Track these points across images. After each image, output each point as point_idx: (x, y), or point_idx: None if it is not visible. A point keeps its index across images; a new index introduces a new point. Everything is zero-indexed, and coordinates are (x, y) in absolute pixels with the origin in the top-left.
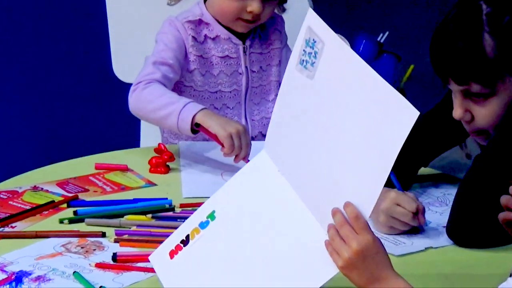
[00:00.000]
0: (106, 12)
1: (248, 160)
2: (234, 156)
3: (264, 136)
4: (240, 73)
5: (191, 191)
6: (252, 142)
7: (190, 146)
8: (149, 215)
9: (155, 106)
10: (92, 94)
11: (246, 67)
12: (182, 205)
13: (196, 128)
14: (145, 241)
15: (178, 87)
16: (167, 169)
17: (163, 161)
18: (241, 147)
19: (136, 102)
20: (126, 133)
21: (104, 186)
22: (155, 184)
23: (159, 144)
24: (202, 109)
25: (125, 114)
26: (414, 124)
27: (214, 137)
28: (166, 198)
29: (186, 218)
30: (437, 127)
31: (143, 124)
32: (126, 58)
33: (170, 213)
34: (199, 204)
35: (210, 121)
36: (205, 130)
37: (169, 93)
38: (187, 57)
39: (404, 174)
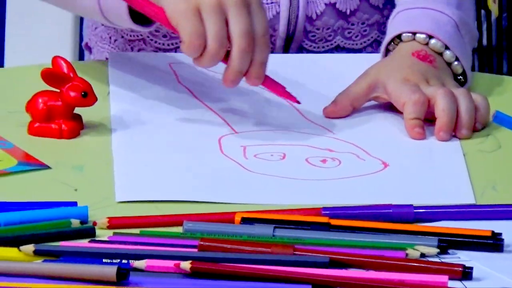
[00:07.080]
0: None
1: (291, 96)
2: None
3: (340, 16)
4: None
5: (137, 187)
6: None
7: (135, 61)
8: (28, 247)
9: None
10: None
11: None
12: (112, 222)
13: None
14: None
15: None
16: (77, 127)
17: (66, 105)
18: (224, 43)
19: None
20: None
21: None
22: (46, 166)
23: (54, 58)
24: None
25: None
26: None
27: (163, 19)
28: (75, 203)
29: (120, 255)
30: None
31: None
32: None
33: (84, 243)
34: (163, 220)
35: None
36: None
37: None
38: None
39: None
